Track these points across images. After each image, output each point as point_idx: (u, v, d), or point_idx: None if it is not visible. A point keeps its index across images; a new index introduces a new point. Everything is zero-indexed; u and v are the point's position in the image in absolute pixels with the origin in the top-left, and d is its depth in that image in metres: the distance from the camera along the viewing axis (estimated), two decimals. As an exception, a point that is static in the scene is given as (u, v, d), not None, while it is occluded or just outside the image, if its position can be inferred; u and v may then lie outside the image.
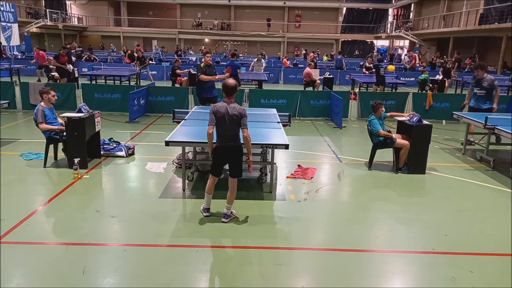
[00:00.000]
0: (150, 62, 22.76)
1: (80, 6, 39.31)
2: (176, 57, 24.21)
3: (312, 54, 25.79)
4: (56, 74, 14.78)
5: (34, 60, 18.29)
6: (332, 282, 3.59)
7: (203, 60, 8.77)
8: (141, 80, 16.83)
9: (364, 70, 18.18)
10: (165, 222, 4.59)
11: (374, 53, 31.38)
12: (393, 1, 38.99)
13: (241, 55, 30.49)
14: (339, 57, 25.27)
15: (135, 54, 20.19)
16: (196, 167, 6.23)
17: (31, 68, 18.56)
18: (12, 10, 25.12)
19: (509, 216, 5.02)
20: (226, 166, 4.70)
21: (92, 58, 22.89)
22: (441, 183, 6.21)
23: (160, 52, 28.50)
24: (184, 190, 5.52)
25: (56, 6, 34.53)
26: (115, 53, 30.56)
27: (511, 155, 7.36)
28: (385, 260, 3.99)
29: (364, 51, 38.43)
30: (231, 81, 4.56)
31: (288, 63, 25.27)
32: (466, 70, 23.13)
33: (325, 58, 30.35)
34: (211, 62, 8.77)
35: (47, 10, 31.78)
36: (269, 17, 39.23)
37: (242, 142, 4.56)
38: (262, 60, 19.31)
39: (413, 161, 6.52)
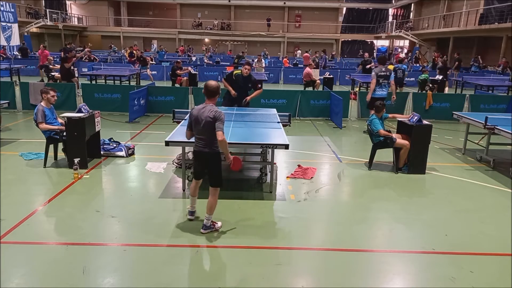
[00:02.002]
0: (151, 62, 22.80)
1: (80, 6, 39.30)
2: (205, 58, 24.35)
3: (306, 54, 25.75)
4: (56, 74, 14.80)
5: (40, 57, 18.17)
6: (332, 282, 3.59)
7: (241, 68, 7.74)
8: (141, 80, 16.83)
9: (359, 67, 18.39)
10: (165, 222, 4.59)
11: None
12: (393, 1, 38.98)
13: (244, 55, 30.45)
14: (324, 56, 25.24)
15: (135, 52, 20.24)
16: (196, 167, 6.21)
17: (31, 68, 18.57)
18: (12, 10, 25.12)
19: (509, 216, 5.02)
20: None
21: (92, 58, 22.90)
22: (441, 183, 6.21)
23: (154, 51, 28.62)
24: (184, 190, 5.52)
25: (56, 6, 34.52)
26: (116, 53, 30.56)
27: (511, 155, 7.36)
28: (385, 260, 3.99)
29: (365, 51, 38.47)
30: (213, 82, 4.29)
31: (288, 63, 25.26)
32: (473, 69, 23.04)
33: (325, 58, 30.34)
34: (247, 75, 7.56)
35: (47, 10, 31.75)
36: (269, 17, 39.21)
37: (218, 150, 4.28)
38: (263, 60, 19.32)
39: (413, 161, 6.52)
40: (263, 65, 19.20)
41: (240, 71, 7.68)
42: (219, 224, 4.45)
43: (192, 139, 5.04)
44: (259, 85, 7.78)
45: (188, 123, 4.36)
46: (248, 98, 7.69)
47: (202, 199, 5.28)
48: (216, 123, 4.10)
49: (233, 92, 7.60)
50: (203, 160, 4.33)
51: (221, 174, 4.36)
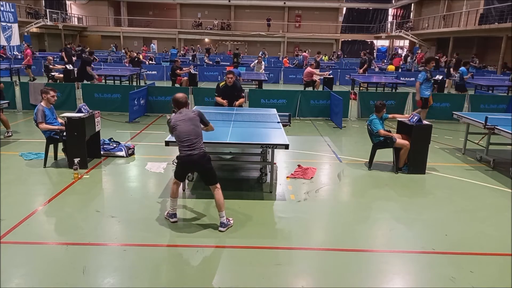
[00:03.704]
0: (150, 62, 22.79)
1: (80, 6, 39.30)
2: (205, 58, 24.46)
3: (305, 53, 25.85)
4: (56, 74, 14.81)
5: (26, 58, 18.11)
6: (332, 282, 3.59)
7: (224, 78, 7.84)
8: (140, 80, 16.86)
9: (360, 70, 18.44)
10: (165, 222, 4.58)
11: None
12: (393, 1, 38.98)
13: (241, 54, 30.51)
14: (301, 56, 25.17)
15: (128, 53, 20.39)
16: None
17: (31, 68, 18.53)
18: (12, 10, 25.11)
19: (509, 216, 5.02)
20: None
21: (92, 58, 22.87)
22: (441, 183, 6.21)
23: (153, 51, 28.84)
24: (184, 190, 5.52)
25: (56, 6, 34.51)
26: (114, 53, 30.58)
27: (511, 155, 7.36)
28: (385, 260, 3.99)
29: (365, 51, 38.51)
30: (180, 94, 4.54)
31: (288, 63, 25.27)
32: (470, 70, 22.95)
33: (325, 58, 30.38)
34: (231, 84, 7.67)
35: (47, 10, 31.75)
36: (269, 17, 39.22)
37: (205, 150, 4.47)
38: (263, 62, 19.25)
39: (413, 161, 6.52)
40: (263, 66, 19.14)
41: (224, 82, 7.80)
42: (231, 220, 4.57)
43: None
44: (242, 94, 8.03)
45: (170, 131, 4.49)
46: (237, 103, 7.85)
47: (202, 199, 5.29)
48: (202, 119, 4.52)
49: (225, 103, 7.76)
50: (190, 165, 4.44)
51: (214, 170, 4.52)
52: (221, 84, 7.89)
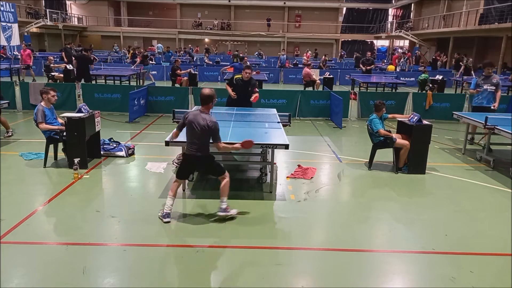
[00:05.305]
0: (151, 62, 22.79)
1: (80, 6, 39.30)
2: (205, 58, 24.50)
3: (308, 54, 25.92)
4: (56, 74, 14.80)
5: (22, 61, 17.95)
6: (332, 282, 3.59)
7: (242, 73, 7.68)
8: (141, 80, 16.84)
9: (362, 67, 18.45)
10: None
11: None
12: (393, 1, 38.99)
13: (241, 54, 30.47)
14: (283, 56, 25.11)
15: (136, 52, 20.45)
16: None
17: (32, 68, 18.51)
18: (12, 10, 25.09)
19: (509, 216, 5.02)
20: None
21: (91, 58, 22.83)
22: (441, 183, 6.21)
23: (158, 49, 28.91)
24: (184, 190, 5.51)
25: (56, 6, 34.50)
26: (116, 53, 30.57)
27: (511, 155, 7.36)
28: (385, 260, 3.99)
29: (364, 51, 38.50)
30: (206, 90, 4.49)
31: (289, 63, 25.25)
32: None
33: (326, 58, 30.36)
34: (247, 79, 7.55)
35: (47, 10, 31.75)
36: (269, 17, 39.21)
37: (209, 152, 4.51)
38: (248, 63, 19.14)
39: (413, 161, 6.52)
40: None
41: (241, 75, 7.75)
42: (234, 210, 4.59)
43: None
44: (256, 89, 7.87)
45: (180, 123, 4.53)
46: (254, 100, 7.60)
47: (204, 199, 5.29)
48: (213, 136, 4.37)
49: (232, 94, 7.69)
50: (194, 163, 4.51)
51: (219, 163, 4.60)
52: (236, 77, 7.89)
